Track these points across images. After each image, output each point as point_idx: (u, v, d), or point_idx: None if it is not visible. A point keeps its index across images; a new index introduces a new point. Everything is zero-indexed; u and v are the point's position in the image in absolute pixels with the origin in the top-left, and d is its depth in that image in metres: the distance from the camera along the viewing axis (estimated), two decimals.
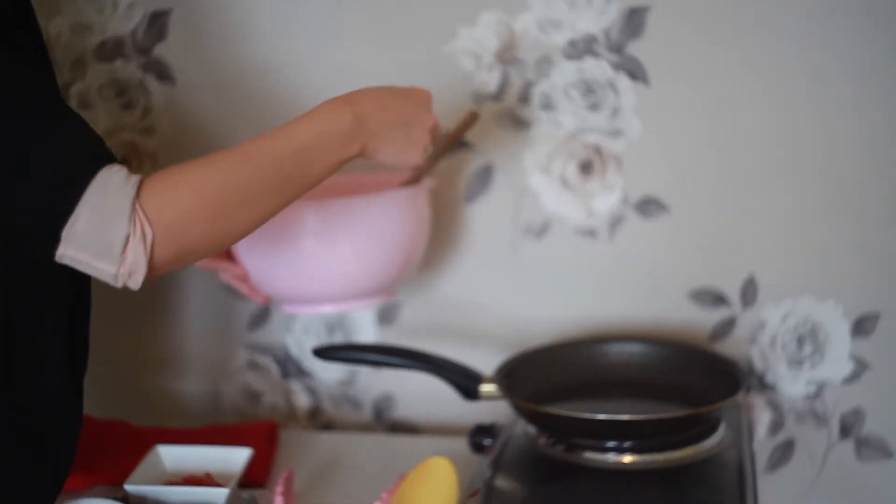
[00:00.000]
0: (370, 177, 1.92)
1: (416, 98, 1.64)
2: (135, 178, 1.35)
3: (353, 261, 1.78)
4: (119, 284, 1.37)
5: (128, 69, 2.00)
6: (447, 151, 1.84)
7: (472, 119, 1.83)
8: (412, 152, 1.62)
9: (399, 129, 1.60)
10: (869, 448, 2.02)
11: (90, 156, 1.35)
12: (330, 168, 1.52)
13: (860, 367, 1.99)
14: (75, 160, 1.34)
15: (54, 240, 1.32)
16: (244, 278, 1.84)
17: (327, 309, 1.86)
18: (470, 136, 1.96)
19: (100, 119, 2.01)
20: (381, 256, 1.80)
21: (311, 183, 1.51)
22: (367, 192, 1.85)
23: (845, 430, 2.02)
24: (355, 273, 1.79)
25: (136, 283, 1.37)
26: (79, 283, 1.53)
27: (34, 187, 1.32)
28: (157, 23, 1.98)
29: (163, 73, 2.00)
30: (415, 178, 1.84)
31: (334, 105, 1.55)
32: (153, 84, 2.00)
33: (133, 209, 1.33)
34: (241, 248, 1.80)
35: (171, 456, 1.75)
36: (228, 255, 1.83)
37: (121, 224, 1.33)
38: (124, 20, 1.98)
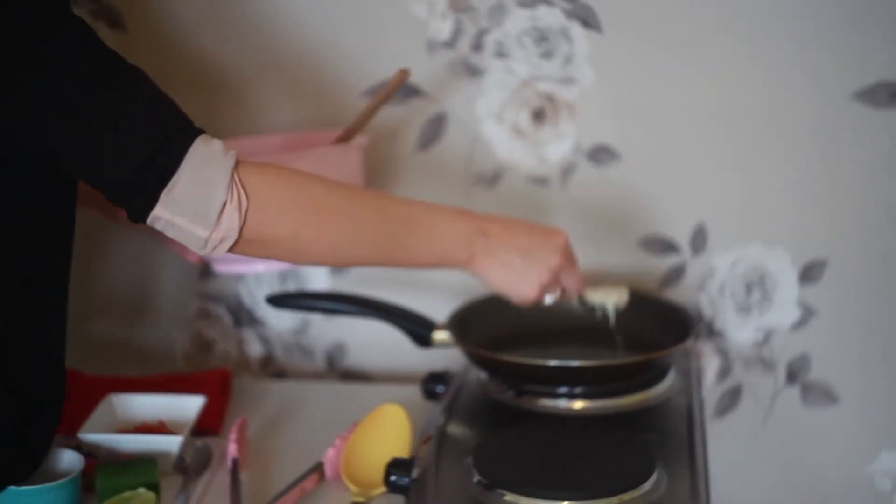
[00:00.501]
0: (302, 136, 1.94)
1: (548, 237, 1.64)
2: (233, 152, 1.39)
3: None
4: (207, 250, 1.39)
5: (78, 13, 1.97)
6: (376, 110, 1.82)
7: (402, 77, 1.81)
8: (524, 284, 1.62)
9: (517, 257, 1.61)
10: (815, 393, 2.05)
11: (187, 121, 1.39)
12: (428, 257, 1.56)
13: (807, 313, 2.01)
14: (174, 124, 1.37)
15: (152, 201, 1.34)
16: None
17: (260, 268, 1.86)
18: (423, 84, 1.96)
19: None
20: None
21: (403, 257, 1.55)
22: (300, 150, 1.86)
23: (792, 375, 2.05)
24: None
25: (222, 250, 1.40)
26: (72, 231, 1.53)
27: (133, 146, 1.33)
28: None
29: (114, 21, 1.98)
30: (346, 136, 1.83)
31: (465, 210, 1.59)
32: (104, 31, 1.98)
33: (231, 178, 1.37)
34: None
35: (125, 404, 1.75)
36: None
37: (220, 190, 1.36)
38: None
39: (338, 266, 1.61)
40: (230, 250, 1.40)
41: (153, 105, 1.37)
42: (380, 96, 1.82)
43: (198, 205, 1.36)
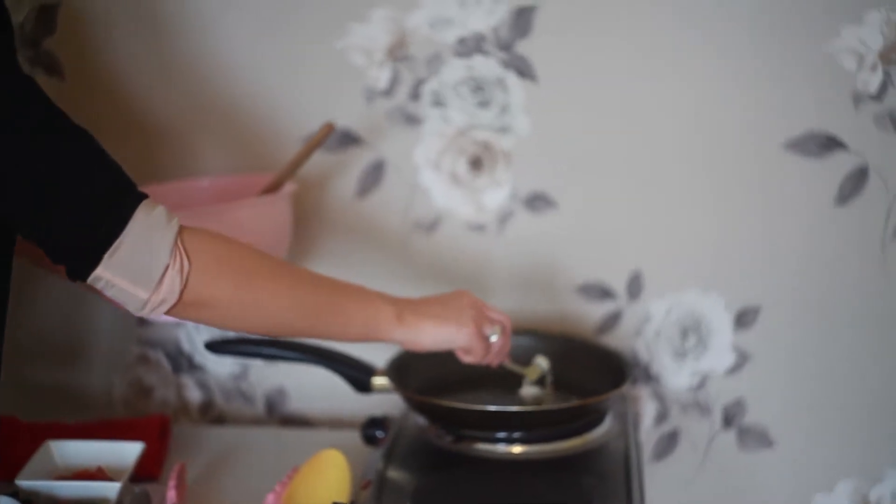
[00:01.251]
0: (233, 179, 1.96)
1: (455, 295, 1.69)
2: (176, 217, 1.41)
3: None
4: (145, 312, 1.41)
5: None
6: (302, 162, 1.84)
7: (327, 131, 1.84)
8: (462, 328, 1.65)
9: (441, 311, 1.66)
10: (750, 437, 2.07)
11: (132, 186, 1.40)
12: (359, 325, 1.58)
13: (742, 358, 2.04)
14: (120, 188, 1.39)
15: (94, 263, 1.36)
16: None
17: None
18: (361, 132, 1.98)
19: None
20: None
21: (334, 325, 1.57)
22: (230, 198, 1.88)
23: (728, 419, 2.07)
24: None
25: (160, 311, 1.41)
26: (8, 277, 1.53)
27: (78, 210, 1.35)
28: (46, 16, 1.97)
29: (52, 68, 1.99)
30: (274, 186, 1.85)
31: (387, 301, 1.63)
32: (41, 78, 1.98)
33: (175, 242, 1.39)
34: None
35: (63, 451, 1.73)
36: None
37: (163, 254, 1.38)
38: (13, 13, 1.96)
39: (270, 335, 1.64)
40: (168, 312, 1.42)
41: (99, 169, 1.38)
42: (305, 149, 1.84)
43: (140, 267, 1.37)
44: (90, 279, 1.37)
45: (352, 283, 1.61)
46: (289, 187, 1.85)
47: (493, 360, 1.72)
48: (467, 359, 1.69)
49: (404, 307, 1.63)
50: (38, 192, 1.33)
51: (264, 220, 1.83)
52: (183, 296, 1.40)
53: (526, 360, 1.89)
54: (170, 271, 1.38)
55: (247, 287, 1.46)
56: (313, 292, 1.54)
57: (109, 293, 1.39)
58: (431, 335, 1.64)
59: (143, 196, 1.40)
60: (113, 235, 1.35)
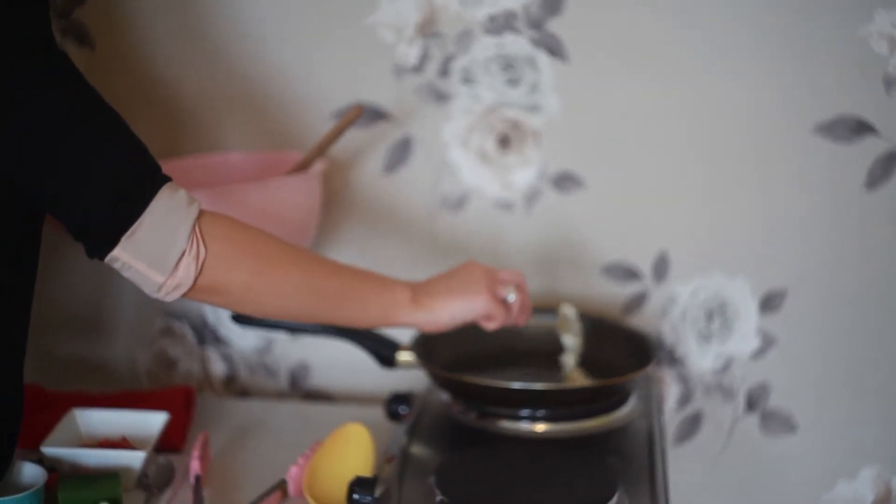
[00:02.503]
0: (262, 157, 1.97)
1: (464, 268, 1.71)
2: (196, 202, 1.42)
3: None
4: (160, 295, 1.43)
5: None
6: (332, 143, 1.84)
7: (356, 114, 1.84)
8: (477, 297, 1.66)
9: (453, 285, 1.67)
10: (774, 422, 2.06)
11: (154, 168, 1.41)
12: (376, 307, 1.60)
13: (767, 342, 2.03)
14: (143, 170, 1.40)
15: (112, 244, 1.37)
16: None
17: None
18: (390, 108, 1.97)
19: None
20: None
21: (351, 310, 1.59)
22: (259, 174, 1.90)
23: (751, 403, 2.06)
24: None
25: (175, 296, 1.43)
26: (37, 248, 1.53)
27: (101, 188, 1.36)
28: None
29: (82, 38, 1.99)
30: (302, 166, 1.85)
31: (405, 288, 1.64)
32: (71, 48, 1.99)
33: (193, 228, 1.40)
34: None
35: (87, 420, 1.74)
36: None
37: (180, 240, 1.39)
38: None
39: (286, 320, 1.66)
40: (183, 296, 1.43)
41: (124, 149, 1.39)
42: (334, 130, 1.84)
43: (157, 251, 1.39)
44: (107, 259, 1.39)
45: (367, 270, 1.62)
46: (319, 166, 1.85)
47: (518, 319, 1.72)
48: (491, 325, 1.69)
49: (417, 289, 1.64)
50: (62, 169, 1.35)
51: (294, 199, 1.83)
52: (198, 281, 1.42)
53: (553, 340, 1.89)
54: (186, 257, 1.40)
55: (263, 273, 1.48)
56: (329, 278, 1.56)
57: (126, 274, 1.41)
58: (448, 311, 1.64)
59: (166, 179, 1.41)
60: (133, 217, 1.37)
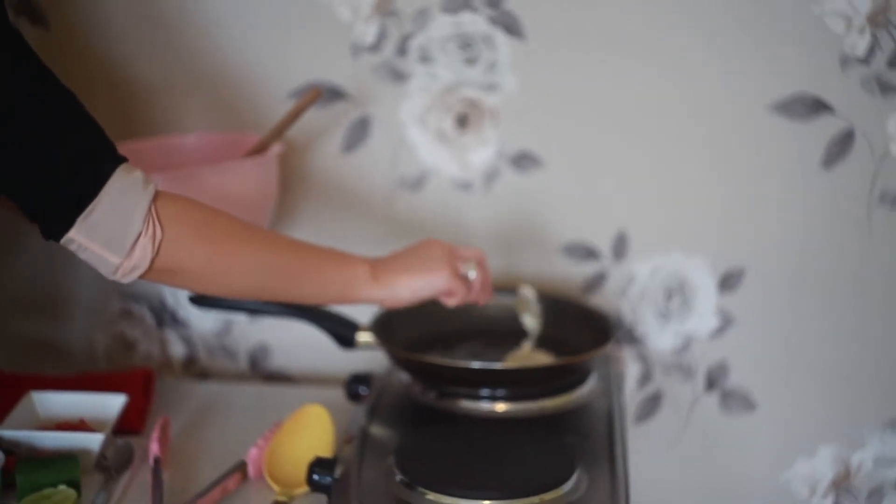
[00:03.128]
0: (218, 138, 1.96)
1: (424, 244, 1.71)
2: (153, 184, 1.41)
3: None
4: (117, 276, 1.42)
5: None
6: (290, 125, 1.84)
7: (313, 96, 1.83)
8: (437, 273, 1.66)
9: (413, 261, 1.67)
10: (733, 400, 2.07)
11: (109, 149, 1.40)
12: (336, 283, 1.60)
13: (725, 321, 2.04)
14: (99, 151, 1.39)
15: (68, 225, 1.36)
16: None
17: None
18: (348, 87, 1.97)
19: None
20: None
21: (308, 288, 1.59)
22: (216, 156, 1.90)
23: (711, 382, 2.07)
24: None
25: (132, 278, 1.43)
26: None
27: (56, 168, 1.35)
28: None
29: (35, 17, 1.97)
30: (259, 149, 1.84)
31: (364, 263, 1.65)
32: (25, 27, 1.97)
33: (149, 210, 1.39)
34: None
35: (45, 402, 1.73)
36: None
37: (136, 221, 1.38)
38: None
39: (244, 299, 1.66)
40: (140, 277, 1.43)
41: (79, 130, 1.38)
42: (291, 112, 1.83)
43: (113, 233, 1.38)
44: (63, 241, 1.38)
45: (326, 247, 1.62)
46: (276, 149, 1.84)
47: (479, 297, 1.73)
48: (452, 302, 1.70)
49: (377, 265, 1.64)
50: (16, 148, 1.33)
51: (251, 181, 1.82)
52: (154, 263, 1.41)
53: (511, 320, 1.90)
54: (142, 239, 1.39)
55: (220, 253, 1.48)
56: (287, 255, 1.56)
57: (82, 256, 1.40)
58: (409, 287, 1.65)
59: (122, 159, 1.40)
60: (88, 198, 1.36)
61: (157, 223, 1.40)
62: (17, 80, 1.33)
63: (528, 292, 1.90)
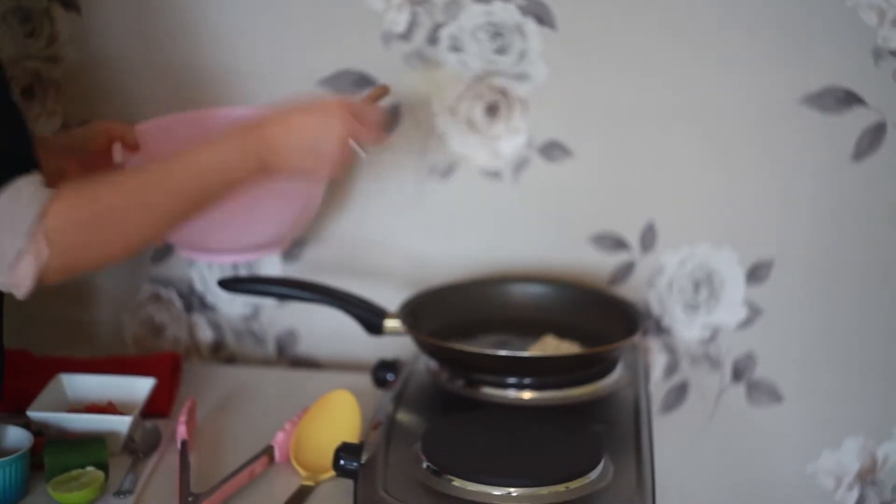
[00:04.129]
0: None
1: (327, 111, 1.61)
2: (44, 195, 1.37)
3: (250, 215, 1.77)
4: (5, 290, 1.40)
5: None
6: None
7: (382, 92, 1.82)
8: (319, 165, 1.59)
9: (305, 145, 1.58)
10: (759, 392, 2.07)
11: (8, 159, 1.37)
12: (228, 190, 1.53)
13: (754, 312, 2.04)
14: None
15: None
16: None
17: (224, 259, 1.93)
18: (379, 75, 1.97)
19: (3, 46, 1.99)
20: (277, 211, 1.81)
21: (208, 203, 1.53)
22: None
23: (737, 374, 2.07)
24: (251, 227, 1.80)
25: (20, 294, 1.39)
26: None
27: None
28: None
29: (69, 2, 1.98)
30: None
31: (240, 132, 1.55)
32: (59, 12, 1.97)
33: (34, 227, 1.35)
34: None
35: (74, 384, 1.74)
36: None
37: (18, 239, 1.35)
38: None
39: (150, 246, 1.62)
40: (37, 285, 1.39)
41: None
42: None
43: None
44: None
45: (201, 149, 1.53)
46: None
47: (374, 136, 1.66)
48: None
49: (264, 152, 1.55)
50: None
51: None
52: (45, 278, 1.38)
53: (537, 310, 1.90)
54: (25, 258, 1.36)
55: (114, 240, 1.44)
56: (175, 195, 1.49)
57: None
58: (297, 167, 1.58)
59: (22, 170, 1.37)
60: None
61: (42, 242, 1.36)
62: None
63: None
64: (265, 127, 1.56)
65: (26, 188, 1.36)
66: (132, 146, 1.79)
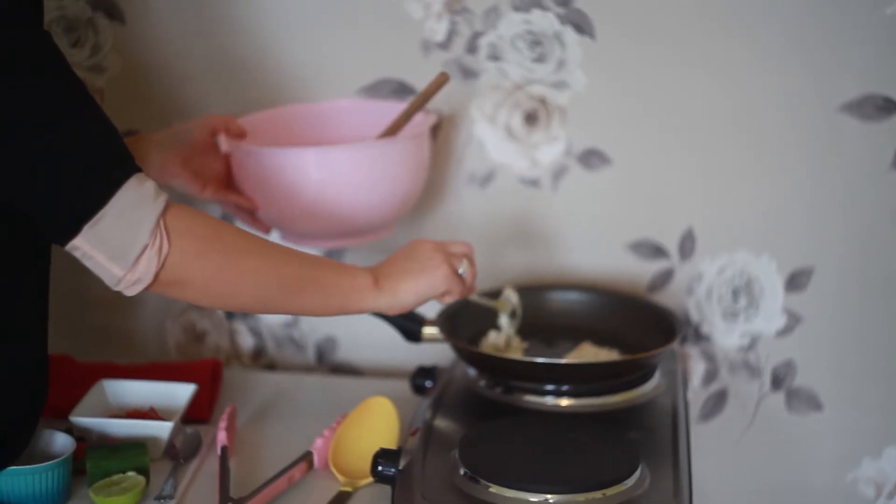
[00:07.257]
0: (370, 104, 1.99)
1: (415, 246, 1.66)
2: (164, 195, 1.41)
3: (352, 201, 1.80)
4: (120, 288, 1.42)
5: (77, 6, 1.99)
6: (418, 110, 1.85)
7: (442, 80, 1.83)
8: (436, 276, 1.63)
9: (411, 265, 1.63)
10: (799, 400, 2.07)
11: (124, 158, 1.40)
12: (338, 297, 1.57)
13: (793, 320, 2.03)
14: (110, 160, 1.39)
15: (74, 231, 1.36)
16: (252, 210, 1.87)
17: (325, 245, 1.94)
18: (418, 84, 1.97)
19: None
20: (380, 197, 1.83)
21: (308, 307, 1.58)
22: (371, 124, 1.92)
23: (777, 381, 2.06)
24: (354, 212, 1.82)
25: (135, 290, 1.42)
26: None
27: (67, 177, 1.35)
28: None
29: (112, 12, 2.00)
30: (392, 130, 1.85)
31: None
32: (103, 22, 2.00)
33: (157, 223, 1.39)
34: (249, 182, 1.83)
35: (116, 390, 1.76)
36: (238, 188, 1.87)
37: (143, 233, 1.38)
38: None
39: (249, 312, 1.64)
40: (146, 289, 1.42)
41: (96, 136, 1.38)
42: (420, 97, 1.84)
43: (118, 243, 1.38)
44: (68, 247, 1.38)
45: (326, 258, 1.62)
46: (430, 119, 1.88)
47: (470, 290, 1.70)
48: (448, 299, 1.68)
49: (378, 273, 1.61)
50: (32, 152, 1.34)
51: (401, 159, 1.85)
52: (159, 276, 1.41)
53: (572, 317, 1.90)
54: (147, 251, 1.39)
55: (226, 267, 1.46)
56: (291, 267, 1.53)
57: (87, 263, 1.40)
58: (413, 291, 1.62)
59: (136, 170, 1.40)
60: (97, 206, 1.36)
61: (164, 237, 1.39)
62: (39, 82, 1.34)
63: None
64: (372, 267, 1.62)
65: (145, 186, 1.39)
66: (238, 134, 1.84)
